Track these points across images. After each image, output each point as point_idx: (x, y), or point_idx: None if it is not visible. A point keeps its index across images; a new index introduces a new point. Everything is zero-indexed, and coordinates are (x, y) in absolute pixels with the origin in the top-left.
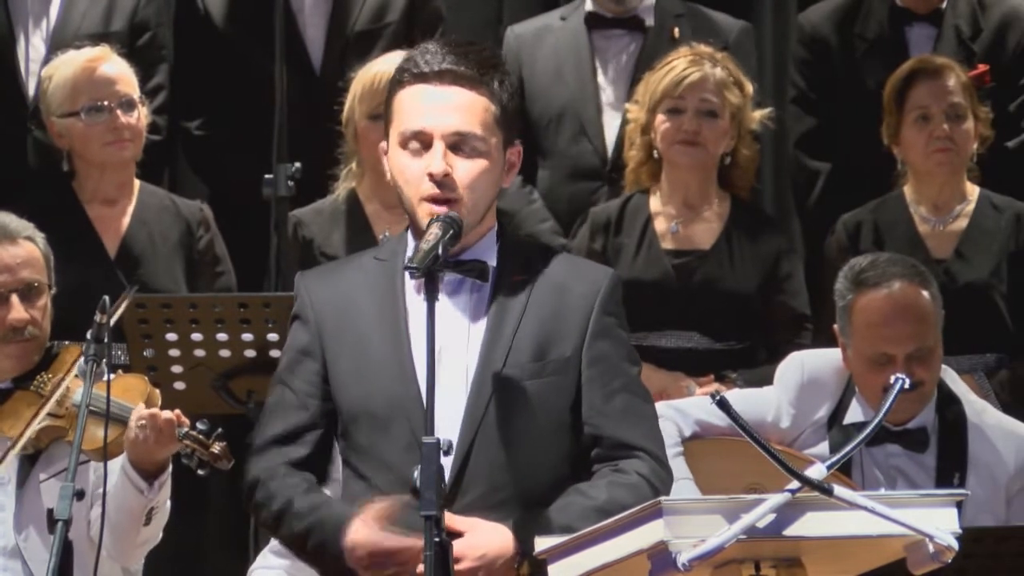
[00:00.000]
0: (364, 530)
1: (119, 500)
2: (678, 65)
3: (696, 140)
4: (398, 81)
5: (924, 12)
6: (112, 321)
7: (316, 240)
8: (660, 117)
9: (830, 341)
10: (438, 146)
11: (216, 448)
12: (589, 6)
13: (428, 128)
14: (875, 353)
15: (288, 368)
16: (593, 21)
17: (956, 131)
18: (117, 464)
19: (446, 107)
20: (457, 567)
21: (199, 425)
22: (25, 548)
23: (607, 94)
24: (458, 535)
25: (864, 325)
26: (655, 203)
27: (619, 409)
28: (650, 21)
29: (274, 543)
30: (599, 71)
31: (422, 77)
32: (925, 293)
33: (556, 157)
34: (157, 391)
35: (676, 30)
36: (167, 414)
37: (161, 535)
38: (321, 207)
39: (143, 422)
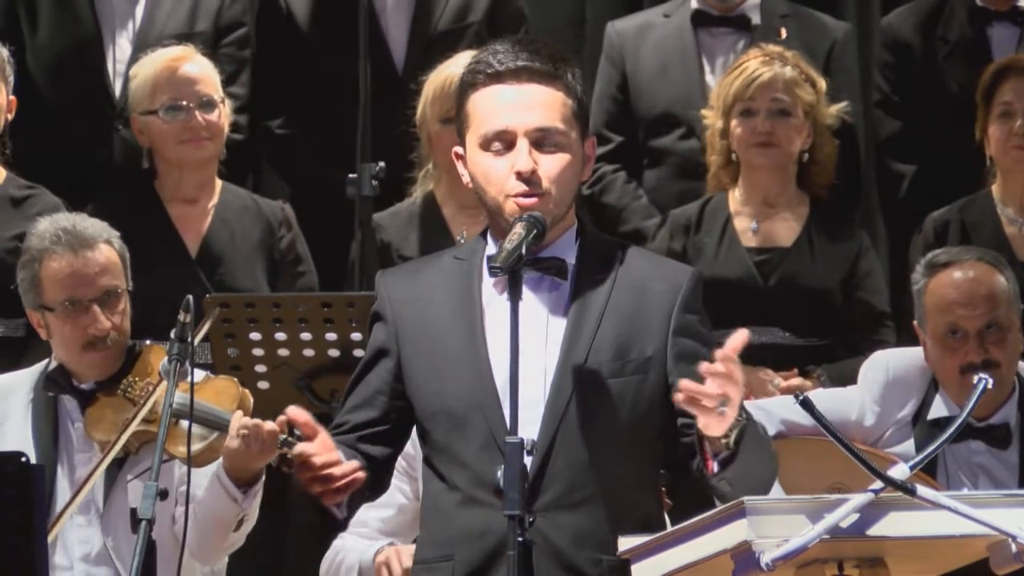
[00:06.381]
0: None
1: (212, 507)
2: (748, 67)
3: (771, 141)
4: (471, 84)
5: (1003, 9)
6: (198, 339)
7: (394, 243)
8: (734, 121)
9: (913, 340)
10: (522, 144)
11: None
12: (694, 3)
13: (511, 127)
14: (946, 327)
15: (365, 365)
16: (699, 19)
17: None
18: (207, 469)
19: (526, 104)
20: None
21: (296, 432)
22: (114, 549)
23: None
24: None
25: (936, 302)
26: (734, 202)
27: None
28: (756, 19)
29: (353, 524)
30: (706, 69)
31: (497, 77)
32: (998, 275)
33: (663, 155)
34: (249, 395)
35: (783, 31)
36: (271, 425)
37: (245, 539)
38: (398, 210)
39: (245, 432)
